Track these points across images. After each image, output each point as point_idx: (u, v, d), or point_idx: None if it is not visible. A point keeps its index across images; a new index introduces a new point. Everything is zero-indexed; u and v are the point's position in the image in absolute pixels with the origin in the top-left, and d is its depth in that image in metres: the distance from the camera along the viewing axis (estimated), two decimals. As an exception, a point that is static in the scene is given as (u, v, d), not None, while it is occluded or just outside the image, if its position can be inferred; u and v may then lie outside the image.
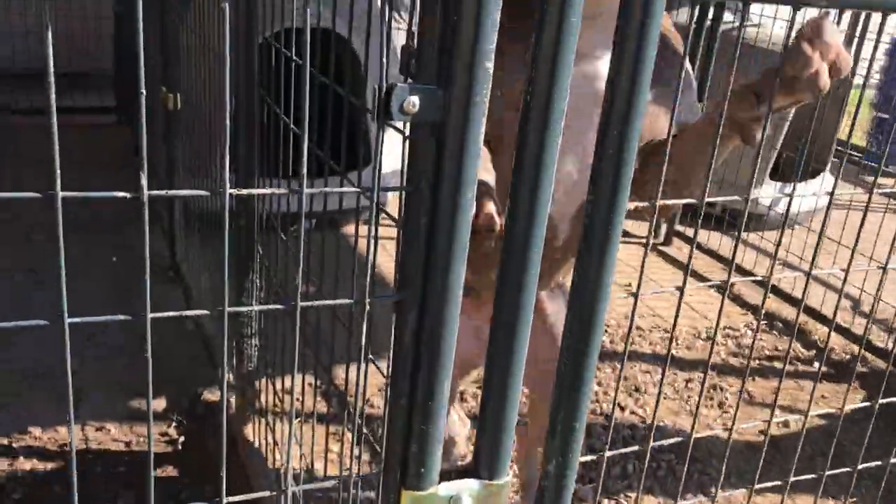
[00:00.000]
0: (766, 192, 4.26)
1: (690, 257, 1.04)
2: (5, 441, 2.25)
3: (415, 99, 0.72)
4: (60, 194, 0.68)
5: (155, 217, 3.52)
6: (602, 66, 1.31)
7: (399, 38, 4.00)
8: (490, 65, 0.73)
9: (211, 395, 2.49)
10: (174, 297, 3.04)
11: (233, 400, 2.16)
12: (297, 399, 1.69)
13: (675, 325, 1.07)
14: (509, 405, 0.88)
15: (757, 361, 3.16)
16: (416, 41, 0.78)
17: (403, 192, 0.79)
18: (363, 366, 0.88)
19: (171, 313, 0.78)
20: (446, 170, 0.74)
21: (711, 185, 1.04)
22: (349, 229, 3.64)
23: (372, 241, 0.83)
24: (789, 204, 1.15)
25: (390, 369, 0.86)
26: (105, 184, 3.99)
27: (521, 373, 0.88)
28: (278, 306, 0.74)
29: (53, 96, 0.68)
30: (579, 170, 1.39)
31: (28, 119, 4.67)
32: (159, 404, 2.46)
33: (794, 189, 1.20)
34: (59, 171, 0.67)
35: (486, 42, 0.71)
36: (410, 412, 0.85)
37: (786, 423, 2.69)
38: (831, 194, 1.08)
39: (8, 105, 4.81)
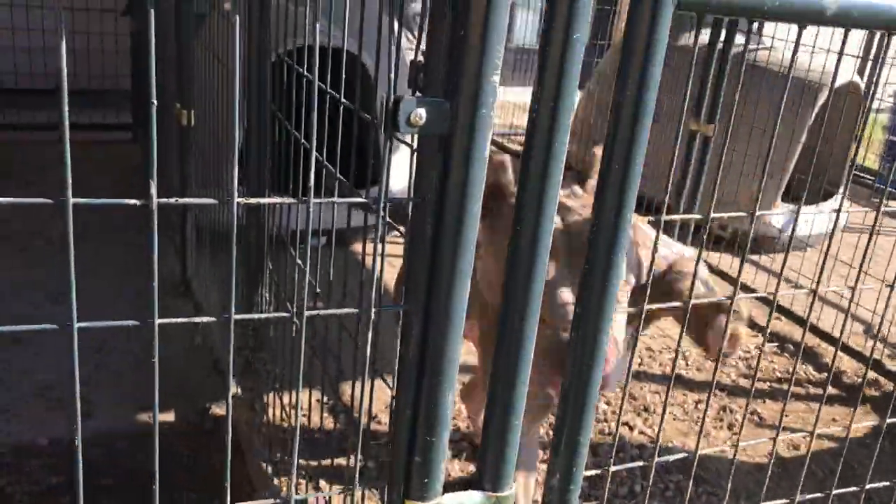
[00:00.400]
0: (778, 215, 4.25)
1: (695, 277, 1.04)
2: (13, 451, 2.25)
3: (422, 111, 0.73)
4: (72, 200, 0.70)
5: (167, 233, 3.54)
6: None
7: (410, 57, 4.03)
8: (496, 78, 0.74)
9: (219, 410, 2.50)
10: (185, 312, 3.04)
11: (241, 414, 2.16)
12: (304, 413, 1.70)
13: (679, 342, 1.07)
14: (513, 419, 0.89)
15: (768, 384, 3.14)
16: (424, 55, 0.79)
17: (411, 204, 0.80)
18: (367, 374, 0.88)
19: (180, 319, 0.79)
20: (453, 179, 0.75)
21: (721, 207, 1.05)
22: (358, 246, 3.65)
23: (379, 252, 0.84)
24: (794, 224, 1.15)
25: (395, 380, 0.87)
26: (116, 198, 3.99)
27: (526, 386, 0.88)
28: (283, 314, 0.74)
29: (66, 107, 0.69)
30: None
31: (43, 135, 4.70)
32: (168, 418, 2.46)
33: (798, 209, 1.20)
34: (70, 178, 0.68)
35: (492, 54, 0.72)
36: (415, 423, 0.86)
37: (795, 445, 2.67)
38: (838, 211, 1.08)
39: (27, 122, 4.84)
